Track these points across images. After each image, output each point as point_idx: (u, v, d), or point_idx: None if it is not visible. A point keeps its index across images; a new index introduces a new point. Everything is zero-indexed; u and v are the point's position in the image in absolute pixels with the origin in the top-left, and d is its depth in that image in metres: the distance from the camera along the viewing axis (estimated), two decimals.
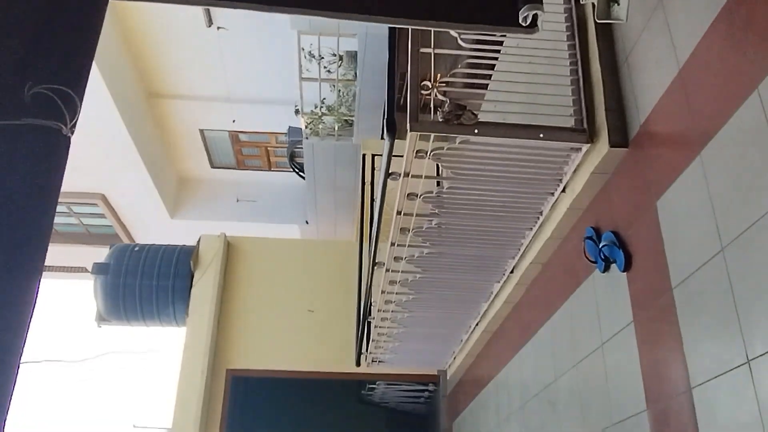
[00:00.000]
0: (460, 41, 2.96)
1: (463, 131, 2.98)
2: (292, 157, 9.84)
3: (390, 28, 3.05)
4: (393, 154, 3.02)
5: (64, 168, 1.36)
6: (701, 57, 2.45)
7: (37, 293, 1.28)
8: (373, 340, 5.68)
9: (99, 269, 7.67)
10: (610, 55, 3.17)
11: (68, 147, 1.34)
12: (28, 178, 1.29)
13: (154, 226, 11.35)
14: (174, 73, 9.52)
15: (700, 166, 2.43)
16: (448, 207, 3.60)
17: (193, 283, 7.67)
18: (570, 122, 3.16)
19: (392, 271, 4.30)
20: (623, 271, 3.04)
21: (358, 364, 6.18)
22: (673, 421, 2.59)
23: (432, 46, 3.01)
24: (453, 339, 5.95)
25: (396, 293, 4.67)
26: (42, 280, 1.29)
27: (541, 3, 1.76)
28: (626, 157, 3.04)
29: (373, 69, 6.99)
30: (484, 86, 3.48)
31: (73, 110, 1.34)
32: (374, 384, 8.29)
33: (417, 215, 3.63)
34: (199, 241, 7.95)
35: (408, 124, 2.92)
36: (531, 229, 3.87)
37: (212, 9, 8.03)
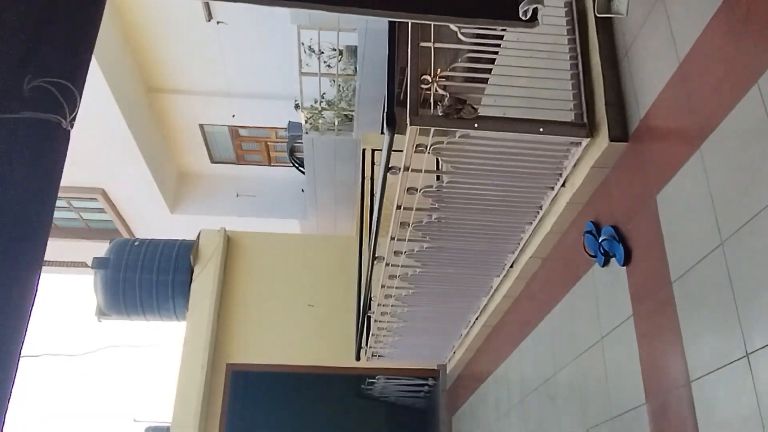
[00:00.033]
0: (460, 35, 2.95)
1: (463, 125, 2.98)
2: (292, 151, 9.82)
3: (390, 22, 3.04)
4: (393, 148, 3.02)
5: (64, 162, 1.36)
6: (701, 51, 2.44)
7: (36, 287, 1.28)
8: (372, 335, 5.68)
9: (99, 264, 7.68)
10: (610, 49, 3.17)
11: (68, 141, 1.34)
12: (27, 172, 1.28)
13: (154, 220, 11.35)
14: (173, 67, 9.49)
15: (700, 160, 2.43)
16: (448, 201, 3.60)
17: (193, 277, 7.69)
18: (570, 116, 3.16)
19: (392, 265, 4.30)
20: (623, 266, 3.04)
21: (357, 358, 6.20)
22: (672, 414, 2.60)
23: (432, 40, 3.01)
24: (453, 333, 5.96)
25: (396, 288, 4.67)
26: (41, 274, 1.29)
27: None
28: (626, 151, 3.04)
29: (373, 63, 6.98)
30: (484, 80, 3.47)
31: (73, 104, 1.33)
32: (374, 378, 8.29)
33: (417, 210, 3.63)
34: (198, 236, 7.96)
35: (408, 119, 2.91)
36: (531, 223, 3.87)
37: (212, 3, 8.01)
